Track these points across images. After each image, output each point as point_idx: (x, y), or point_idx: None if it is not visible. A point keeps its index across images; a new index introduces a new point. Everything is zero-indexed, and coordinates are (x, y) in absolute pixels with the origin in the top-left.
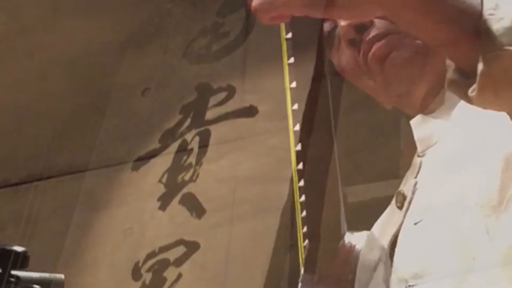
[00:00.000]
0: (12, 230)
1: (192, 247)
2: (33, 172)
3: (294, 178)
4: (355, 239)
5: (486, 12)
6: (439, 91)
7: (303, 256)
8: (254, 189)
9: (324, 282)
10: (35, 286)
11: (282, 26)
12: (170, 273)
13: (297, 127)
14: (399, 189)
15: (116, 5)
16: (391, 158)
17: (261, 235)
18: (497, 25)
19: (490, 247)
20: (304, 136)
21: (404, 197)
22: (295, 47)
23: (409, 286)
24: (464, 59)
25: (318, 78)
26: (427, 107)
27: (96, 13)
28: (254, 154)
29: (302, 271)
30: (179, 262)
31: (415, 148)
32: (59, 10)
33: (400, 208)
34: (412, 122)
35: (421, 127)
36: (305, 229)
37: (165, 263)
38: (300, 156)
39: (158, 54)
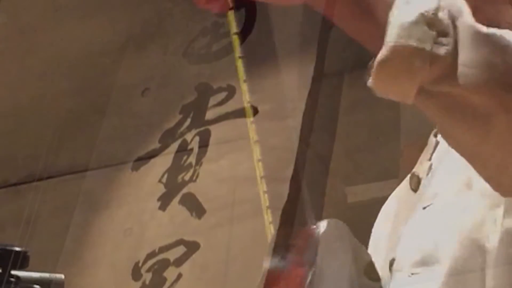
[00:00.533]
0: (12, 230)
1: (192, 247)
2: (33, 172)
3: (260, 187)
4: (320, 225)
5: (398, 2)
6: None
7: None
8: (254, 189)
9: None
10: (35, 286)
11: (237, 45)
12: (170, 273)
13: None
14: (413, 170)
15: (116, 5)
16: (391, 158)
17: (261, 235)
18: (399, 18)
19: (496, 238)
20: (304, 136)
21: (419, 180)
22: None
23: (412, 274)
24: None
25: (318, 78)
26: None
27: (96, 13)
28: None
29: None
30: (179, 262)
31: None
32: (59, 10)
33: (415, 190)
34: None
35: None
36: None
37: (165, 263)
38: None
39: (158, 54)
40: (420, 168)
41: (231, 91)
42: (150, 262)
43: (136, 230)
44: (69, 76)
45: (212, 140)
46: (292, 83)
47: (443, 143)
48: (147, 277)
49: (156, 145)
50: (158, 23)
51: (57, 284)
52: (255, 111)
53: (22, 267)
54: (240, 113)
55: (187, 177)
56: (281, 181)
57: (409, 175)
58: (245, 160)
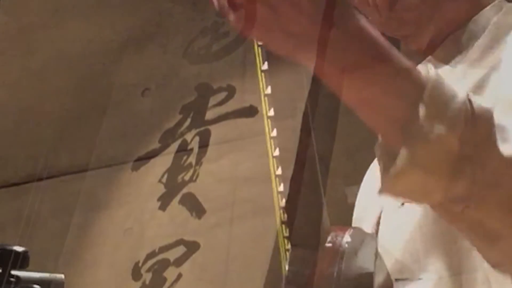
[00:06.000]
0: (12, 230)
1: (192, 247)
2: (33, 172)
3: (275, 200)
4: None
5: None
6: (446, 37)
7: (287, 259)
8: (254, 189)
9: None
10: (35, 286)
11: (259, 57)
12: (170, 273)
13: (277, 152)
14: None
15: (116, 5)
16: None
17: (261, 235)
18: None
19: None
20: (304, 136)
21: None
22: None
23: (396, 280)
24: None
25: (318, 78)
26: (433, 51)
27: (96, 13)
28: (254, 154)
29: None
30: (179, 262)
31: None
32: (60, 10)
33: None
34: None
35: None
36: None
37: (165, 263)
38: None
39: (158, 54)
40: None
41: (231, 91)
42: (150, 262)
43: (136, 230)
44: (69, 76)
45: (212, 140)
46: (292, 83)
47: None
48: (147, 277)
49: (156, 145)
50: (158, 23)
51: (57, 284)
52: (255, 111)
53: (22, 267)
54: (240, 113)
55: (187, 177)
56: (281, 181)
57: None
58: (245, 160)
